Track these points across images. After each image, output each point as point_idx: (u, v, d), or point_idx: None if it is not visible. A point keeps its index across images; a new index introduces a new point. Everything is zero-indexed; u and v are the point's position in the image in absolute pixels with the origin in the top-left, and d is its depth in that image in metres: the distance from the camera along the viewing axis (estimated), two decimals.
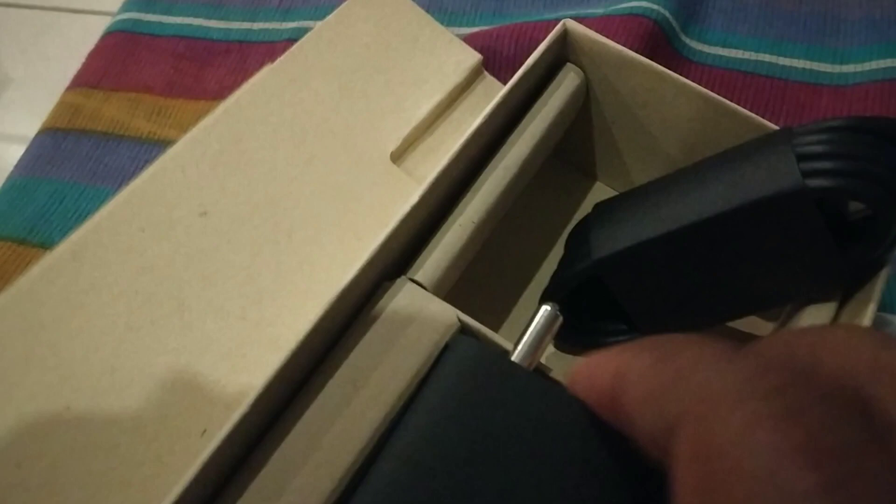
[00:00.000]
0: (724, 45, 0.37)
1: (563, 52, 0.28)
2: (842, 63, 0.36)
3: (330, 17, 0.30)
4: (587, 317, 0.28)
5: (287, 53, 0.29)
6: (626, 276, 0.25)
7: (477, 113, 0.26)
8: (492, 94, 0.29)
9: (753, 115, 0.25)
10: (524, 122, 0.27)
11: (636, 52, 0.27)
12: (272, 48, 0.39)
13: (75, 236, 0.25)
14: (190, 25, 0.40)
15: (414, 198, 0.22)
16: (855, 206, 0.23)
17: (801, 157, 0.21)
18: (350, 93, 0.29)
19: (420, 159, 0.29)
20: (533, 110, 0.27)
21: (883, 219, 0.22)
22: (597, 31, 0.28)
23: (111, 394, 0.23)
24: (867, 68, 0.35)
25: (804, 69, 0.36)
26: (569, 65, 0.28)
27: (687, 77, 0.34)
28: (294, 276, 0.26)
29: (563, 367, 0.21)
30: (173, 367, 0.24)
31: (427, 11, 0.39)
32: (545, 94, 0.27)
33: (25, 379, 0.23)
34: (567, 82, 0.28)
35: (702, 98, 0.26)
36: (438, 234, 0.23)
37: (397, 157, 0.29)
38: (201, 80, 0.38)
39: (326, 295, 0.24)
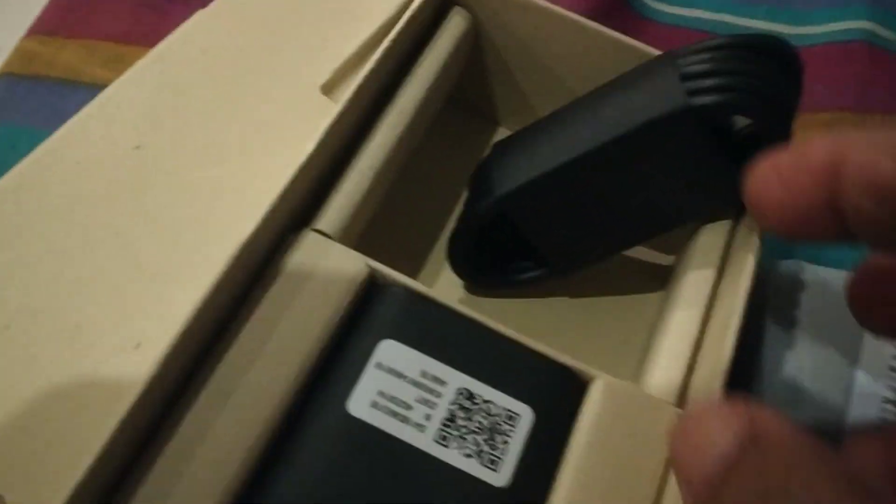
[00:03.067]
0: (683, 5, 0.36)
1: None
2: (801, 24, 0.36)
3: None
4: (496, 258, 0.28)
5: None
6: (530, 210, 0.25)
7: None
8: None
9: (640, 44, 0.26)
10: (415, 67, 0.27)
11: (591, 11, 0.27)
12: None
13: (14, 170, 0.27)
14: None
15: (310, 145, 0.22)
16: (742, 122, 0.24)
17: (685, 77, 0.22)
18: (282, 31, 0.31)
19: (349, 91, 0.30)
20: (423, 56, 0.27)
21: (767, 131, 0.22)
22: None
23: (48, 313, 0.24)
24: (826, 30, 0.35)
25: (764, 30, 0.35)
26: (456, 8, 0.28)
27: (646, 34, 0.34)
28: (227, 202, 0.27)
29: (478, 310, 0.21)
30: (109, 286, 0.25)
31: None
32: (434, 40, 0.27)
33: None
34: (453, 26, 0.28)
35: (591, 31, 0.27)
36: (340, 182, 0.23)
37: (329, 89, 0.29)
38: (159, 29, 0.38)
39: (257, 218, 0.25)
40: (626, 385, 0.21)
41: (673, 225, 0.25)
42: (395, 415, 0.19)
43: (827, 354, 0.25)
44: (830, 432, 0.23)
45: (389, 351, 0.20)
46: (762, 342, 0.25)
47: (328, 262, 0.21)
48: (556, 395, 0.20)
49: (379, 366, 0.20)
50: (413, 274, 0.29)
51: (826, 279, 0.26)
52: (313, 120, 0.29)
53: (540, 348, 0.21)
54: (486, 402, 0.20)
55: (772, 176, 0.17)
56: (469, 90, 0.32)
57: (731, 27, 0.35)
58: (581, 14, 0.28)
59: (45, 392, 0.23)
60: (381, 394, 0.19)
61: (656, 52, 0.25)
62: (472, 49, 0.30)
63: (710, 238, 0.25)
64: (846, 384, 0.24)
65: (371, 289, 0.21)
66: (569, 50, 0.28)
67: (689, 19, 0.36)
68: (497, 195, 0.25)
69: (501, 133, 0.33)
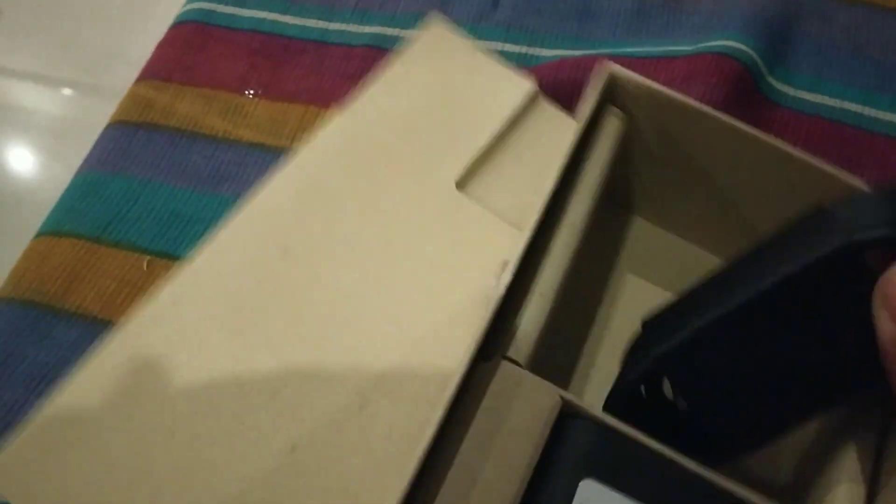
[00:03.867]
0: (810, 90, 0.37)
1: (608, 94, 0.29)
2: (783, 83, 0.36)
3: (391, 59, 0.32)
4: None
5: (354, 101, 0.31)
6: (687, 370, 0.23)
7: (533, 139, 0.28)
8: (545, 118, 0.31)
9: (801, 155, 0.26)
10: (580, 175, 0.27)
11: (723, 93, 0.27)
12: (349, 52, 0.38)
13: (178, 279, 0.27)
14: (265, 20, 0.40)
15: (506, 276, 0.22)
16: None
17: (843, 220, 0.21)
18: (415, 133, 0.32)
19: (482, 185, 0.31)
20: (587, 163, 0.27)
21: None
22: (684, 70, 0.27)
23: (210, 418, 0.25)
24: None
25: (890, 122, 0.35)
26: (610, 107, 0.29)
27: (771, 119, 0.34)
28: (372, 302, 0.28)
29: None
30: (261, 391, 0.26)
31: (508, 30, 0.39)
32: (595, 143, 0.28)
33: (136, 411, 0.24)
34: (610, 127, 0.28)
35: (739, 135, 0.27)
36: (524, 307, 0.23)
37: (462, 185, 0.30)
38: (277, 79, 0.38)
39: (401, 317, 0.27)
40: None
41: (839, 392, 0.23)
42: None
43: None
44: None
45: (589, 491, 0.20)
46: None
47: (523, 393, 0.21)
48: None
49: None
50: (569, 376, 0.29)
51: None
52: (450, 216, 0.30)
53: (729, 486, 0.21)
54: None
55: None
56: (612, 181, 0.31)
57: (857, 116, 0.36)
58: (715, 101, 0.28)
59: (205, 499, 0.23)
60: None
61: (786, 147, 0.26)
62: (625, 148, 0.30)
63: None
64: None
65: (561, 420, 0.21)
66: (706, 143, 0.28)
67: (813, 104, 0.36)
68: (653, 354, 0.23)
69: (637, 221, 0.33)
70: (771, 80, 0.37)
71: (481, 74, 0.33)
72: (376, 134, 0.31)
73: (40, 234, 0.34)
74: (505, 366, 0.22)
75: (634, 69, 0.29)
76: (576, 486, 0.20)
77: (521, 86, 0.32)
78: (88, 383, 0.25)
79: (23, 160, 0.88)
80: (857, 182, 0.26)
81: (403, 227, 0.29)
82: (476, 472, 0.20)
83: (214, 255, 0.28)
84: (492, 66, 0.33)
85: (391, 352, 0.27)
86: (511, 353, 0.22)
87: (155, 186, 0.34)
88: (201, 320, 0.27)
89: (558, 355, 0.29)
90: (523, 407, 0.21)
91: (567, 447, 0.21)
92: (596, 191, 0.27)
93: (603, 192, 0.28)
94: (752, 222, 0.30)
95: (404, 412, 0.26)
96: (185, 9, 0.40)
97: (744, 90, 0.35)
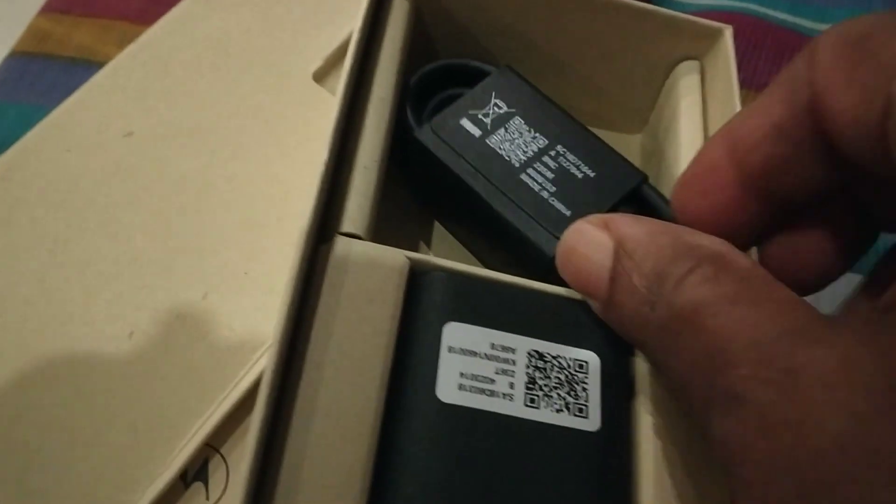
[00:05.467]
0: None
1: None
2: (821, 22, 0.35)
3: None
4: None
5: None
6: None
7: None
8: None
9: None
10: (379, 52, 0.26)
11: None
12: None
13: (3, 157, 0.27)
14: None
15: (323, 153, 0.22)
16: None
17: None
18: (273, 18, 0.31)
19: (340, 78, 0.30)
20: (383, 40, 0.26)
21: None
22: None
23: (40, 301, 0.25)
24: None
25: (786, 20, 0.35)
26: None
27: None
28: (218, 191, 0.27)
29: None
30: (100, 274, 0.25)
31: None
32: (387, 20, 0.27)
33: None
34: (398, 4, 0.27)
35: None
36: (349, 182, 0.23)
37: (320, 76, 0.30)
38: None
39: (249, 205, 0.27)
40: None
41: None
42: (482, 391, 0.20)
43: None
44: None
45: (455, 333, 0.21)
46: None
47: (371, 264, 0.21)
48: (610, 334, 0.21)
49: (451, 349, 0.20)
50: (417, 247, 0.29)
51: None
52: (306, 107, 0.29)
53: (580, 296, 0.22)
54: (555, 357, 0.21)
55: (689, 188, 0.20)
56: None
57: (755, 11, 0.35)
58: None
59: (36, 381, 0.23)
60: (463, 375, 0.20)
61: None
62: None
63: None
64: None
65: (413, 278, 0.22)
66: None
67: (711, 6, 0.36)
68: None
69: None
70: (809, 22, 0.36)
71: None
72: (230, 17, 0.31)
73: None
74: (341, 240, 0.22)
75: None
76: (440, 333, 0.20)
77: None
78: None
79: None
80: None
81: (255, 116, 0.29)
82: (337, 348, 0.20)
83: (51, 132, 0.27)
84: None
85: (236, 240, 0.27)
86: (345, 227, 0.22)
87: (47, 112, 0.34)
88: (36, 197, 0.26)
89: (400, 224, 0.28)
90: (371, 275, 0.21)
91: (423, 302, 0.21)
92: (398, 63, 0.26)
93: (405, 61, 0.27)
94: (576, 77, 0.30)
95: (247, 301, 0.26)
96: None
97: (778, 40, 0.35)
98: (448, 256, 0.25)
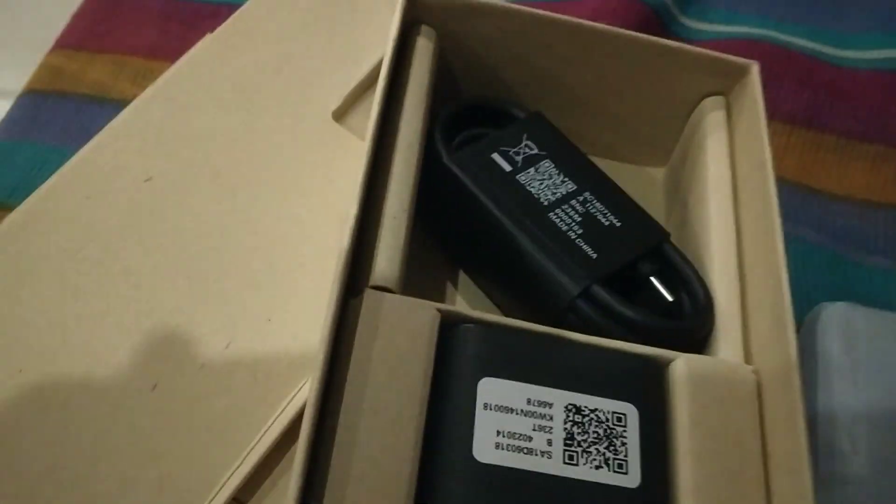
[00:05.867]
0: (726, 23, 0.36)
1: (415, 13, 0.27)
2: (843, 48, 0.35)
3: None
4: None
5: (228, 21, 0.30)
6: None
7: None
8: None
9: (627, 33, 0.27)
10: (404, 95, 0.26)
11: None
12: None
13: (23, 206, 0.26)
14: None
15: (352, 209, 0.21)
16: None
17: None
18: (291, 57, 0.30)
19: (362, 117, 0.30)
20: (408, 82, 0.26)
21: None
22: (590, 11, 0.27)
23: (61, 355, 0.24)
24: (869, 56, 0.35)
25: (805, 47, 0.35)
26: (421, 27, 0.27)
27: None
28: (239, 235, 0.27)
29: None
30: (121, 326, 0.25)
31: None
32: (412, 65, 0.26)
33: None
34: (422, 47, 0.27)
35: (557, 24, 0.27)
36: (377, 232, 0.23)
37: (339, 115, 0.30)
38: (187, 43, 0.37)
39: (271, 250, 0.26)
40: (701, 358, 0.22)
41: None
42: (520, 449, 0.19)
43: (882, 400, 0.24)
44: (889, 481, 0.23)
45: (491, 389, 0.20)
46: (814, 387, 0.25)
47: (402, 318, 0.21)
48: (647, 385, 0.21)
49: (486, 406, 0.20)
50: (444, 295, 0.29)
51: (878, 321, 0.26)
52: (326, 147, 0.29)
53: (616, 345, 0.22)
54: (593, 411, 0.20)
55: None
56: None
57: (774, 39, 0.35)
58: None
59: (59, 438, 0.23)
60: (500, 433, 0.20)
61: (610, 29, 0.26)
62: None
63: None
64: None
65: (443, 331, 0.21)
66: (525, 40, 0.28)
67: (730, 34, 0.36)
68: None
69: None
70: (684, 20, 0.36)
71: (363, 1, 0.32)
72: (248, 57, 0.30)
73: None
74: (372, 294, 0.21)
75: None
76: (475, 389, 0.20)
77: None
78: None
79: None
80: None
81: (275, 158, 0.28)
82: (371, 404, 0.19)
83: (69, 180, 0.27)
84: None
85: (259, 287, 0.26)
86: (376, 280, 0.22)
87: (62, 152, 0.34)
88: (55, 249, 0.26)
89: (427, 272, 0.28)
90: (402, 330, 0.20)
91: (456, 356, 0.21)
92: (424, 106, 0.26)
93: (430, 103, 0.27)
94: (598, 112, 0.30)
95: (271, 349, 0.25)
96: None
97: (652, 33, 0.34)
98: (473, 304, 0.25)
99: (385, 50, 0.25)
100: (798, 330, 0.28)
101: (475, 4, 0.27)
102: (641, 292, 0.25)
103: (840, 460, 0.24)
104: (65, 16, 0.39)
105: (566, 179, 0.25)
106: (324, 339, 0.19)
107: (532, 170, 0.25)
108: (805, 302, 0.28)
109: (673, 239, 0.25)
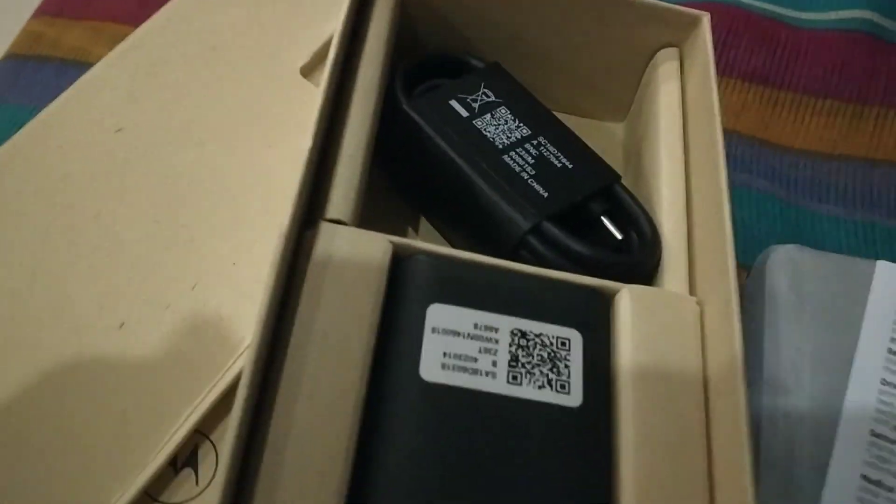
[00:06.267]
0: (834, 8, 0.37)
1: None
2: (802, 10, 0.36)
3: None
4: None
5: None
6: None
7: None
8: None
9: None
10: (363, 44, 0.26)
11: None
12: None
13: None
14: None
15: (306, 141, 0.22)
16: None
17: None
18: (261, 15, 0.31)
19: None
20: (367, 31, 0.27)
21: None
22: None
23: (32, 293, 0.25)
24: (828, 17, 0.35)
25: (765, 9, 0.35)
26: None
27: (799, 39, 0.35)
28: (207, 183, 0.28)
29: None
30: (91, 267, 0.26)
31: None
32: (372, 14, 0.27)
33: None
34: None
35: None
36: (335, 169, 0.23)
37: (308, 71, 0.30)
38: None
39: (238, 197, 0.27)
40: (645, 288, 0.22)
41: None
42: (465, 370, 0.20)
43: (826, 337, 0.25)
44: (829, 415, 0.24)
45: (439, 314, 0.21)
46: (762, 325, 0.26)
47: (355, 248, 0.21)
48: (592, 313, 0.22)
49: (434, 330, 0.21)
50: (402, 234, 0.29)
51: (825, 263, 0.26)
52: (293, 102, 0.30)
53: (562, 276, 0.22)
54: (537, 335, 0.21)
55: None
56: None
57: (734, 3, 0.36)
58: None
59: (27, 373, 0.24)
60: (446, 354, 0.20)
61: None
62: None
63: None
64: (845, 367, 0.25)
65: (397, 263, 0.22)
66: None
67: (834, 21, 0.36)
68: None
69: None
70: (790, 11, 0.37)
71: None
72: (219, 16, 0.31)
73: None
74: (326, 226, 0.22)
75: None
76: (424, 315, 0.21)
77: None
78: None
79: None
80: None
81: (243, 111, 0.29)
82: (320, 332, 0.20)
83: (42, 129, 0.28)
84: None
85: (224, 232, 0.27)
86: (330, 214, 0.22)
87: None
88: (28, 193, 0.26)
89: (383, 213, 0.29)
90: (355, 259, 0.21)
91: (407, 285, 0.22)
92: (382, 54, 0.27)
93: (390, 54, 0.28)
94: (558, 66, 0.31)
95: (236, 291, 0.26)
96: None
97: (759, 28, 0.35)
98: (427, 241, 0.26)
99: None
100: (749, 272, 0.29)
101: None
102: (592, 231, 0.25)
103: (783, 395, 0.24)
104: None
105: (521, 125, 0.26)
106: (274, 264, 0.20)
107: (488, 115, 0.26)
108: (759, 247, 0.29)
109: (628, 187, 0.26)
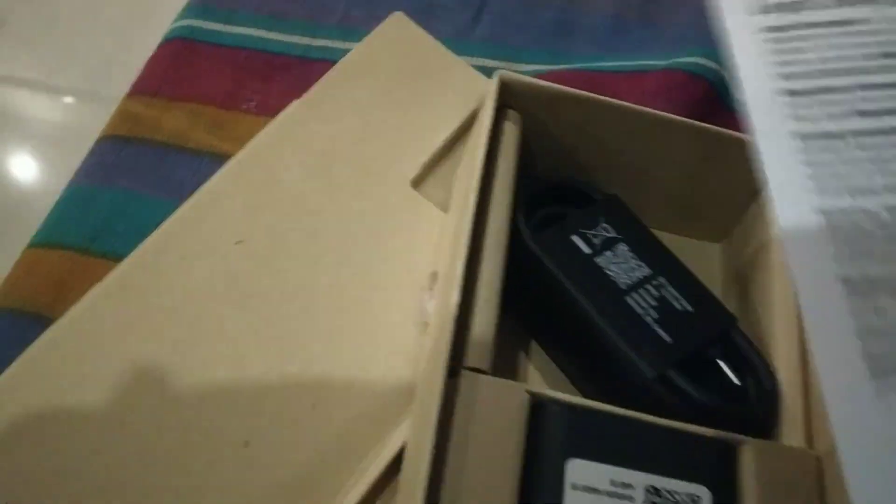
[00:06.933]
0: None
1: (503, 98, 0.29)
2: None
3: (352, 52, 0.33)
4: None
5: (314, 87, 0.32)
6: None
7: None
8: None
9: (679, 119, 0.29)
10: (493, 179, 0.27)
11: (686, 111, 0.28)
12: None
13: (122, 267, 0.28)
14: (251, 36, 0.41)
15: (454, 295, 0.23)
16: None
17: None
18: (373, 125, 0.32)
19: (439, 184, 0.32)
20: (496, 167, 0.28)
21: None
22: (653, 86, 0.28)
23: (160, 407, 0.26)
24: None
25: None
26: (508, 111, 0.29)
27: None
28: (325, 297, 0.29)
29: None
30: (215, 383, 0.27)
31: (488, 46, 0.40)
32: (500, 148, 0.28)
33: (83, 399, 0.25)
34: (510, 128, 0.29)
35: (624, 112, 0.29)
36: (470, 314, 0.24)
37: (417, 183, 0.31)
38: (261, 93, 0.39)
39: (354, 312, 0.28)
40: (767, 443, 0.23)
41: None
42: None
43: None
44: None
45: (578, 470, 0.22)
46: None
47: (493, 398, 0.22)
48: (719, 468, 0.23)
49: (574, 486, 0.22)
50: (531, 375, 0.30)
51: None
52: (404, 214, 0.30)
53: (691, 429, 0.23)
54: (670, 492, 0.22)
55: None
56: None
57: None
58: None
59: (157, 490, 0.25)
60: None
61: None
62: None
63: None
64: None
65: (533, 411, 0.23)
66: (599, 126, 0.29)
67: None
68: None
69: None
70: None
71: (441, 68, 0.34)
72: (333, 125, 0.32)
73: (31, 244, 0.35)
74: (468, 376, 0.23)
75: (606, 84, 0.30)
76: (563, 469, 0.22)
77: (480, 84, 0.33)
78: (29, 374, 0.25)
79: (22, 168, 0.89)
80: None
81: (358, 223, 0.30)
82: (468, 483, 0.21)
83: (164, 242, 0.28)
84: (451, 59, 0.34)
85: (345, 351, 0.28)
86: (472, 362, 0.23)
87: (142, 199, 0.35)
88: (153, 310, 0.27)
89: (511, 353, 0.30)
90: (495, 411, 0.22)
91: (545, 436, 0.22)
92: (510, 190, 0.28)
93: (515, 188, 0.28)
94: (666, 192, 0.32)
95: (355, 413, 0.27)
96: (174, 26, 0.42)
97: (709, 107, 0.36)
98: (549, 379, 0.27)
99: (479, 134, 0.26)
100: None
101: (558, 92, 0.29)
102: (708, 372, 0.26)
103: None
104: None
105: (641, 264, 0.27)
106: (430, 421, 0.21)
107: (609, 252, 0.27)
108: None
109: (735, 314, 0.27)
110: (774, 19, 0.20)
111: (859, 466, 0.15)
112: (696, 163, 0.30)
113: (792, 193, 0.17)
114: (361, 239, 0.30)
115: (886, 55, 0.19)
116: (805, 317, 0.16)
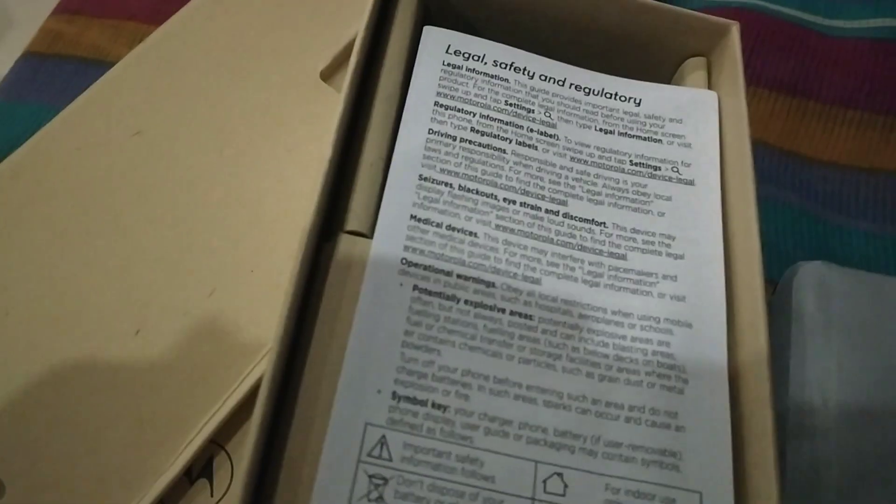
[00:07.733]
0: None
1: None
2: (832, 18, 0.35)
3: None
4: None
5: None
6: None
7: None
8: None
9: None
10: (386, 49, 0.26)
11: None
12: None
13: (14, 156, 0.27)
14: None
15: (327, 151, 0.22)
16: None
17: None
18: (282, 17, 0.31)
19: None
20: (388, 37, 0.26)
21: None
22: None
23: (48, 298, 0.25)
24: (857, 25, 0.34)
25: (794, 16, 0.35)
26: None
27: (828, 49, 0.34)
28: (225, 188, 0.28)
29: None
30: (108, 273, 0.26)
31: None
32: (394, 19, 0.26)
33: None
34: (405, 3, 0.27)
35: None
36: (354, 178, 0.23)
37: (327, 75, 0.30)
38: None
39: (256, 203, 0.27)
40: None
41: None
42: None
43: (854, 358, 0.25)
44: (856, 436, 0.23)
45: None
46: (787, 343, 0.25)
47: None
48: None
49: None
50: None
51: (854, 281, 0.26)
52: (313, 106, 0.29)
53: None
54: None
55: None
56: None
57: (762, 9, 0.35)
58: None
59: (44, 378, 0.24)
60: None
61: None
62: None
63: None
64: (874, 387, 0.24)
65: None
66: None
67: (722, 1, 0.35)
68: None
69: None
70: (819, 19, 0.36)
71: None
72: (240, 16, 0.31)
73: None
74: (346, 238, 0.22)
75: None
76: None
77: None
78: None
79: None
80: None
81: (262, 114, 0.29)
82: (339, 347, 0.20)
83: (60, 132, 0.28)
84: None
85: (243, 238, 0.27)
86: (350, 226, 0.22)
87: (58, 112, 0.35)
88: (45, 195, 0.26)
89: None
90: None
91: None
92: (404, 59, 0.26)
93: (411, 59, 0.27)
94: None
95: (254, 298, 0.26)
96: None
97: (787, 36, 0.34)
98: None
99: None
100: (776, 288, 0.28)
101: None
102: None
103: (809, 414, 0.24)
104: None
105: None
106: (292, 277, 0.19)
107: None
108: (786, 263, 0.28)
109: None
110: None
111: None
112: (612, 37, 0.28)
113: None
114: (266, 130, 0.29)
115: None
116: None
